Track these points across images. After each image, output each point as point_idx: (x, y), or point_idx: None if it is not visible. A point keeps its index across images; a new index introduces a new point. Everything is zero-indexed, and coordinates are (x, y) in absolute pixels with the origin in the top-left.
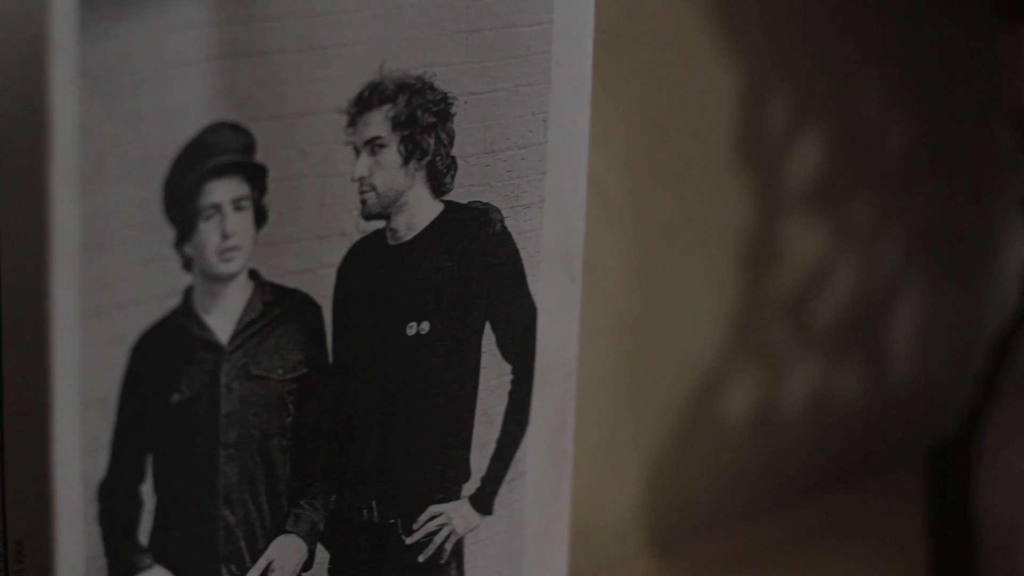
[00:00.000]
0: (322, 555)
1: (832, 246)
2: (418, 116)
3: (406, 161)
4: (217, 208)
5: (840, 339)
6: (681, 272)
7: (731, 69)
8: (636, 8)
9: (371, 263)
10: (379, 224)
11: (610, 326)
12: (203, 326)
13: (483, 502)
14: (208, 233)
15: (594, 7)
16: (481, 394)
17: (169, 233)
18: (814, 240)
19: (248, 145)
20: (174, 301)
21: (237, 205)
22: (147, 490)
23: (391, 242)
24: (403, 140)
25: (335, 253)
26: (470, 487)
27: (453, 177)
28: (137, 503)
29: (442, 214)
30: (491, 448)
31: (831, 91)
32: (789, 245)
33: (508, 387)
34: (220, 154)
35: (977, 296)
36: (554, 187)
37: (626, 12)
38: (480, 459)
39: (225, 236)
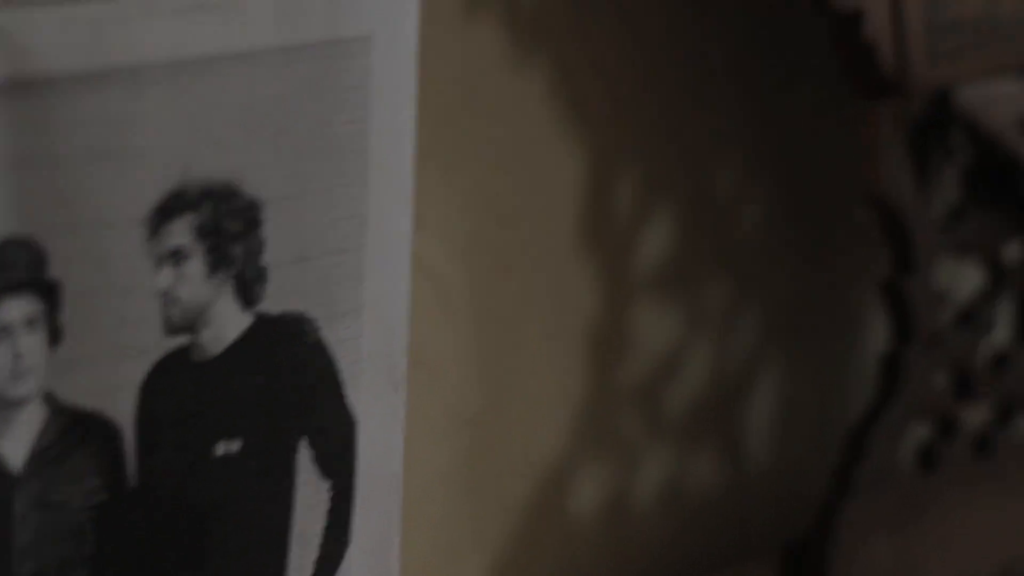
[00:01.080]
0: None
1: (685, 330)
2: (224, 224)
3: (212, 272)
4: (6, 329)
5: (694, 427)
6: (525, 363)
7: (576, 149)
8: (473, 87)
9: (176, 381)
10: (184, 339)
11: (449, 423)
12: None
13: None
14: None
15: (415, 100)
16: (297, 514)
17: None
18: (666, 325)
19: (38, 260)
20: None
21: (29, 324)
22: None
23: (197, 358)
24: (208, 250)
25: (136, 371)
26: None
27: (263, 287)
28: None
29: (252, 327)
30: (309, 571)
31: (683, 170)
32: (640, 331)
33: (327, 505)
34: (7, 272)
35: (836, 380)
36: (374, 293)
37: (463, 91)
38: None
39: (17, 357)
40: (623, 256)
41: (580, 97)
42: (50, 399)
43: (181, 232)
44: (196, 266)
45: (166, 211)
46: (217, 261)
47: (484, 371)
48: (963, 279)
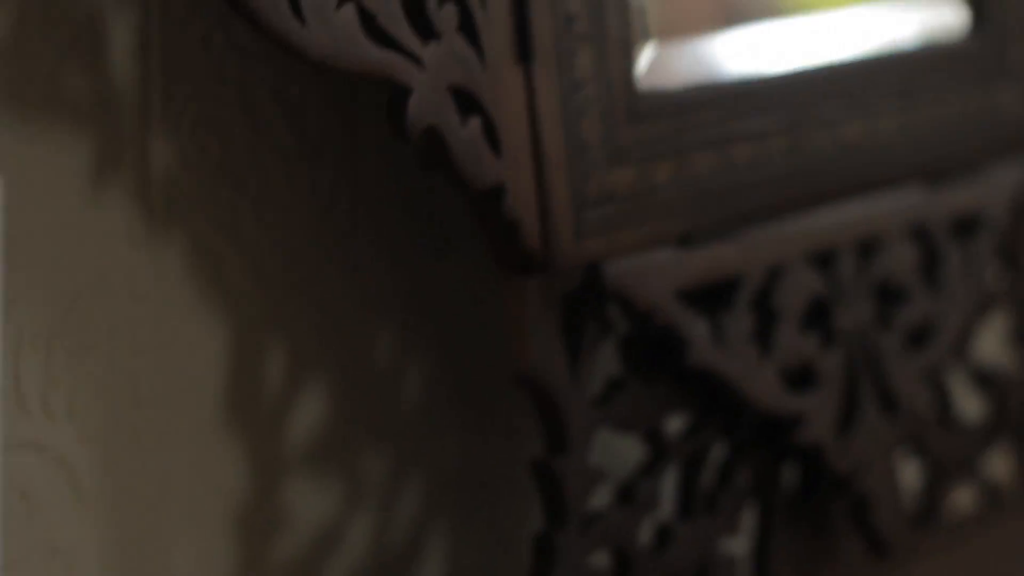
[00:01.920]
0: None
1: (344, 504)
2: None
3: None
4: None
5: None
6: (166, 549)
7: (218, 326)
8: (105, 267)
9: None
10: None
11: None
12: None
13: None
14: None
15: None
16: None
17: None
18: (324, 499)
19: None
20: None
21: None
22: None
23: None
24: None
25: None
26: None
27: None
28: None
29: None
30: None
31: (337, 340)
32: (293, 508)
33: None
34: None
35: (502, 554)
36: None
37: (94, 272)
38: None
39: None
40: (273, 431)
41: (219, 272)
42: None
43: None
44: None
45: None
46: None
47: (123, 560)
48: (626, 452)
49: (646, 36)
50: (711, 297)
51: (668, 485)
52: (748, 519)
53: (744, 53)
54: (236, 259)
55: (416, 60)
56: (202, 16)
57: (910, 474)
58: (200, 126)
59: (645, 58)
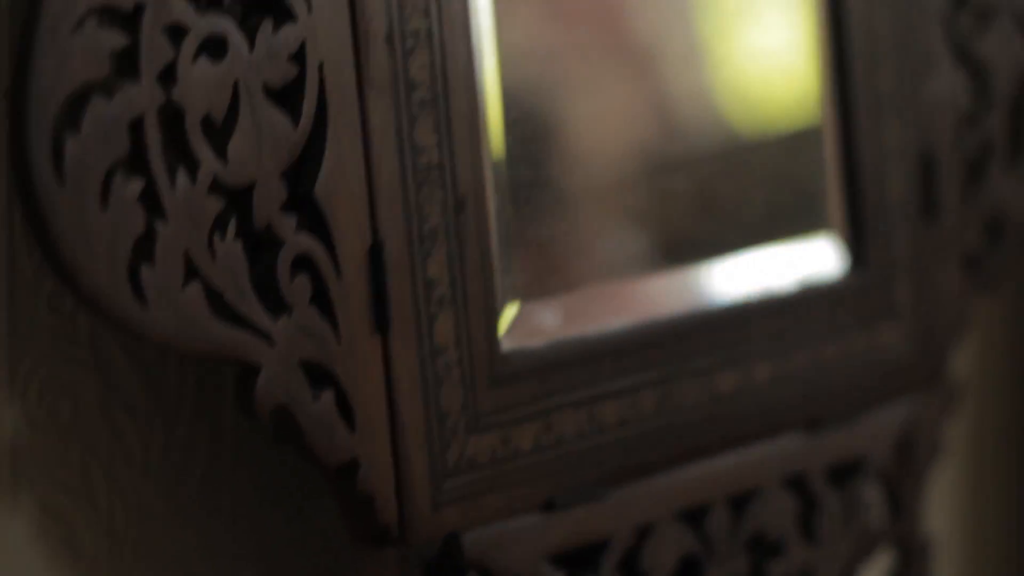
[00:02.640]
0: None
1: None
2: None
3: None
4: None
5: None
6: None
7: None
8: None
9: None
10: None
11: None
12: None
13: None
14: None
15: None
16: None
17: None
18: None
19: None
20: None
21: None
22: None
23: None
24: None
25: None
26: None
27: None
28: None
29: None
30: None
31: None
32: None
33: None
34: None
35: None
36: None
37: None
38: None
39: None
40: None
41: (70, 537)
42: None
43: None
44: None
45: None
46: None
47: None
48: None
49: (511, 296)
50: (582, 559)
51: None
52: None
53: (613, 306)
54: (87, 523)
55: (266, 337)
56: (51, 278)
57: None
58: (50, 388)
59: (509, 319)
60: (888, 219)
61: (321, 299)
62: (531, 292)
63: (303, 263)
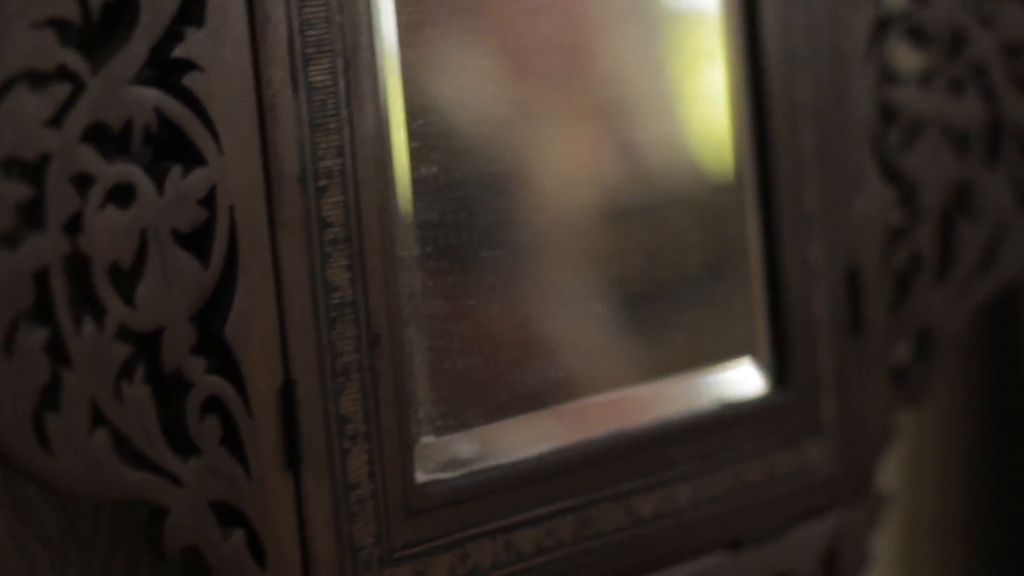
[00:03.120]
0: None
1: None
2: None
3: None
4: None
5: None
6: None
7: None
8: None
9: None
10: None
11: None
12: None
13: None
14: None
15: None
16: None
17: None
18: None
19: None
20: None
21: None
22: None
23: None
24: None
25: None
26: None
27: None
28: None
29: None
30: None
31: None
32: None
33: None
34: None
35: None
36: None
37: None
38: None
39: None
40: None
41: None
42: None
43: None
44: None
45: None
46: None
47: None
48: None
49: (427, 428)
50: None
51: None
52: None
53: (531, 435)
54: None
55: (175, 480)
56: None
57: None
58: None
59: (424, 451)
60: (813, 337)
61: (232, 438)
62: (447, 423)
63: (213, 404)
